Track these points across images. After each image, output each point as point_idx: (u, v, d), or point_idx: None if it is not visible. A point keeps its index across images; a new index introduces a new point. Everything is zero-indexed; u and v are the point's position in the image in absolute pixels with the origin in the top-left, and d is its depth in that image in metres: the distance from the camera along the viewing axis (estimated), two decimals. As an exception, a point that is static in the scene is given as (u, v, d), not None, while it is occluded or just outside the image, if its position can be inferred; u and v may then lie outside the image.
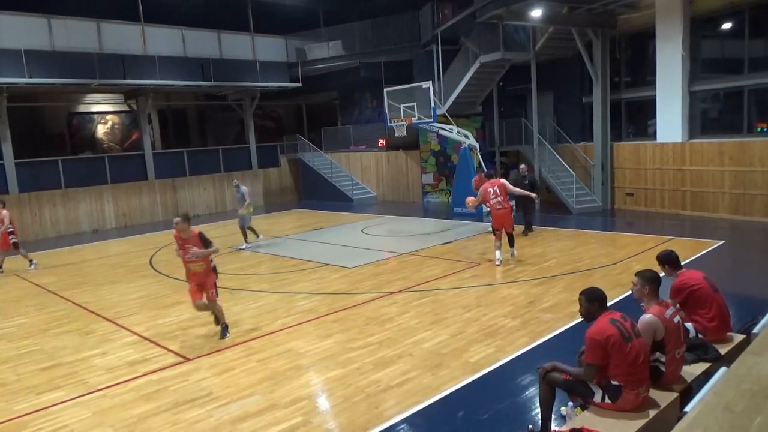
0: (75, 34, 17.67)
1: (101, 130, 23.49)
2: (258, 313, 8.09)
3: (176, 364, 6.36)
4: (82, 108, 22.96)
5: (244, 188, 13.28)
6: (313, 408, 5.16)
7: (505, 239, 10.26)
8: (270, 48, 22.55)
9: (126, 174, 19.94)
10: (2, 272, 12.36)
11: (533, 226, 13.04)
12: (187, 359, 6.47)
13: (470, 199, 10.85)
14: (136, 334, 7.60)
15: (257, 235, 13.73)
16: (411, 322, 7.26)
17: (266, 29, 22.04)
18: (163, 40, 19.63)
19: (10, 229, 12.34)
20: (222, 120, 26.87)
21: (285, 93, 24.58)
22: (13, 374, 6.44)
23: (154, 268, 12.00)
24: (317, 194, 23.39)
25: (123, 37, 18.71)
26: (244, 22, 21.30)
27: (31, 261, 12.76)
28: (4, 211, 12.42)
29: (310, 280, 9.80)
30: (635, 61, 16.21)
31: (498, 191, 10.12)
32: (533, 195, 11.72)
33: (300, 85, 22.81)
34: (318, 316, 7.75)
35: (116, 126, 23.83)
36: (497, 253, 10.05)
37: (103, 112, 23.41)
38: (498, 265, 9.93)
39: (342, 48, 22.28)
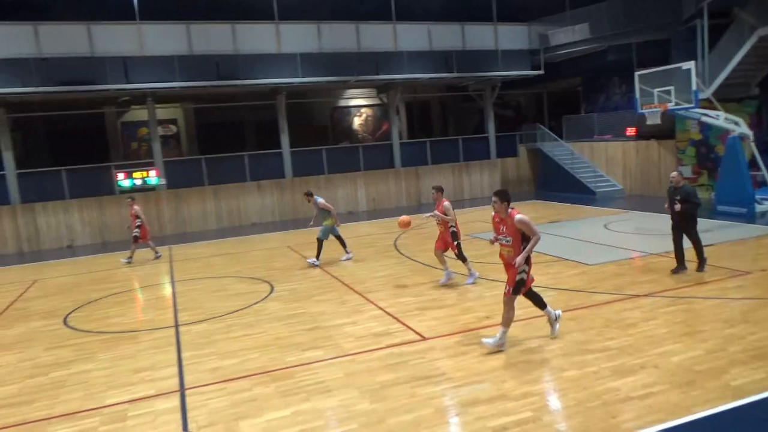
0: (339, 37, 19.87)
1: (357, 122, 26.14)
2: (492, 302, 8.21)
3: (414, 341, 6.84)
4: (342, 102, 25.85)
5: (320, 199, 11.94)
6: (544, 405, 5.08)
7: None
8: (512, 36, 22.36)
9: (376, 162, 21.94)
10: (129, 262, 13.83)
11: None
12: (424, 338, 6.90)
13: None
14: (380, 308, 8.37)
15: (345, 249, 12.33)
16: (658, 331, 6.62)
17: (508, 18, 21.91)
18: (412, 36, 20.88)
19: (138, 223, 13.96)
20: (462, 110, 27.64)
21: (525, 81, 24.20)
22: (286, 331, 7.65)
23: (398, 250, 13.00)
24: (556, 185, 22.59)
25: (377, 36, 20.43)
26: (486, 13, 21.48)
27: (156, 252, 14.36)
28: (135, 207, 14.06)
29: (545, 274, 9.59)
30: None
31: None
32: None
33: (541, 72, 22.22)
34: (552, 312, 7.56)
35: (369, 118, 26.26)
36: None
37: (359, 105, 26.01)
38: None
39: (589, 31, 20.99)
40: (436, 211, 9.28)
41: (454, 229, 9.31)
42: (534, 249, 6.27)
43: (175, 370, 6.53)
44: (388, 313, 8.10)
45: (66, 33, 17.10)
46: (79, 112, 19.54)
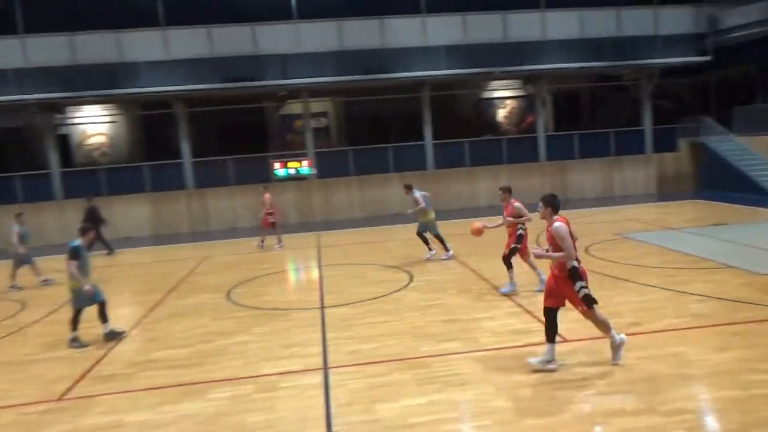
0: (484, 27, 19.59)
1: (501, 113, 25.63)
2: (640, 307, 7.68)
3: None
4: (486, 94, 25.48)
5: (418, 193, 11.73)
6: (700, 425, 4.68)
7: None
8: (675, 19, 20.47)
9: (519, 155, 21.40)
10: (262, 248, 14.83)
11: None
12: (566, 340, 6.65)
13: None
14: (518, 305, 8.21)
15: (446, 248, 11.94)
16: None
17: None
18: (561, 23, 19.98)
19: (270, 211, 14.74)
20: (615, 101, 25.82)
21: (688, 69, 22.02)
22: (422, 320, 7.82)
23: (541, 247, 12.59)
24: (721, 184, 20.31)
25: (525, 25, 19.81)
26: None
27: (279, 240, 14.98)
28: (267, 195, 14.80)
29: (706, 282, 8.73)
30: None
31: None
32: None
33: (708, 58, 20.07)
34: (713, 324, 6.88)
35: (513, 110, 25.61)
36: None
37: (504, 97, 25.46)
38: None
39: (772, 9, 18.54)
40: (508, 218, 8.63)
41: (521, 232, 8.69)
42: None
43: (319, 349, 6.99)
44: (527, 311, 7.92)
45: (234, 34, 18.89)
46: (244, 107, 21.43)
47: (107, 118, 23.18)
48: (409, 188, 11.87)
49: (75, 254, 7.73)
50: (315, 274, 11.70)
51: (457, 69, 19.48)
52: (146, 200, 20.08)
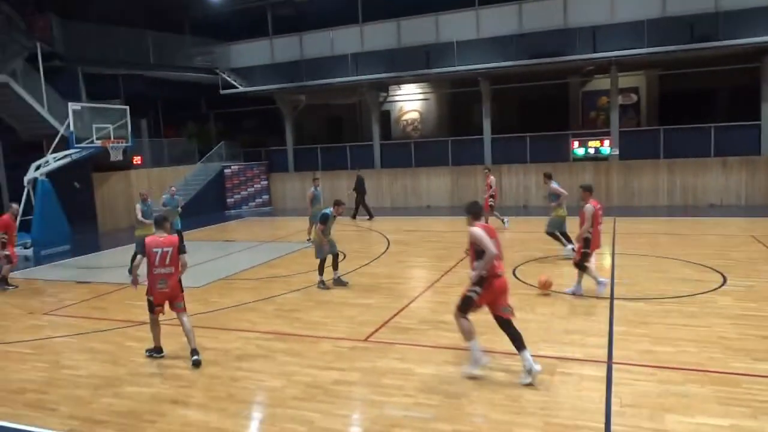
0: None
1: None
2: None
3: None
4: None
5: (554, 184, 11.16)
6: None
7: None
8: None
9: None
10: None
11: None
12: None
13: None
14: None
15: (564, 244, 11.05)
16: None
17: None
18: None
19: (491, 194, 14.75)
20: None
21: None
22: (734, 331, 6.70)
23: None
24: None
25: None
26: None
27: (503, 220, 15.09)
28: (491, 177, 14.87)
29: None
30: None
31: None
32: None
33: None
34: None
35: None
36: None
37: None
38: None
39: None
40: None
41: (588, 236, 8.28)
42: None
43: (604, 341, 6.61)
44: None
45: (544, 8, 18.60)
46: (546, 83, 21.07)
47: (421, 96, 25.47)
48: (548, 177, 11.70)
49: (323, 220, 9.45)
50: (607, 261, 11.01)
51: None
52: (447, 173, 21.57)
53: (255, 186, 24.01)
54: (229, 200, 23.53)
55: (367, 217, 18.37)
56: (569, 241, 10.94)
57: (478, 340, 5.84)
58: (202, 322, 8.05)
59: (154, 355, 6.74)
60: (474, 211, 5.98)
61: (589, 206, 8.34)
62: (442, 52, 20.05)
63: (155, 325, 6.70)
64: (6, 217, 11.03)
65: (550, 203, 11.30)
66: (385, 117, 25.27)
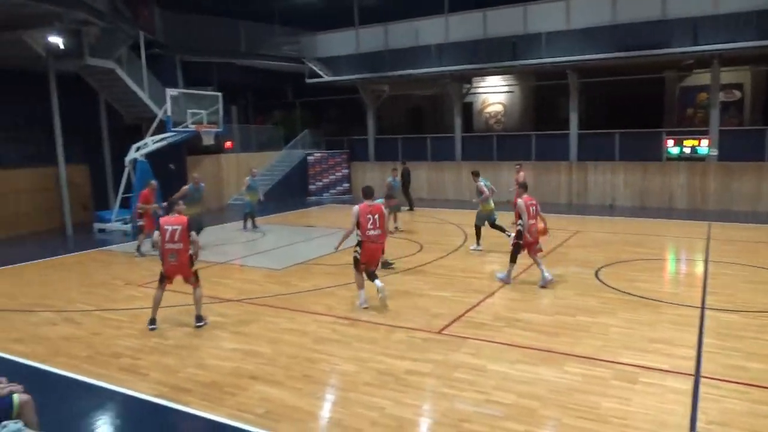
0: None
1: None
2: None
3: None
4: None
5: (481, 181, 12.03)
6: None
7: None
8: None
9: None
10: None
11: None
12: None
13: None
14: None
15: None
16: None
17: None
18: None
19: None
20: None
21: None
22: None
23: None
24: None
25: None
26: None
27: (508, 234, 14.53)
28: (522, 173, 14.64)
29: None
30: None
31: None
32: None
33: None
34: None
35: None
36: None
37: None
38: None
39: None
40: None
41: (520, 228, 9.08)
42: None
43: (692, 352, 6.25)
44: None
45: (642, -1, 17.63)
46: (639, 77, 20.00)
47: (505, 88, 24.93)
48: (475, 175, 12.42)
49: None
50: (699, 269, 10.37)
51: None
52: (530, 168, 20.99)
53: (336, 174, 24.49)
54: (311, 187, 24.14)
55: (408, 207, 18.45)
56: (502, 230, 11.99)
57: (365, 290, 8.04)
58: (281, 302, 8.36)
59: (150, 327, 7.39)
60: (367, 193, 8.12)
61: (520, 201, 9.08)
62: (529, 44, 19.49)
63: (157, 297, 7.47)
64: (146, 191, 12.46)
65: (478, 199, 12.08)
66: (468, 109, 24.94)
